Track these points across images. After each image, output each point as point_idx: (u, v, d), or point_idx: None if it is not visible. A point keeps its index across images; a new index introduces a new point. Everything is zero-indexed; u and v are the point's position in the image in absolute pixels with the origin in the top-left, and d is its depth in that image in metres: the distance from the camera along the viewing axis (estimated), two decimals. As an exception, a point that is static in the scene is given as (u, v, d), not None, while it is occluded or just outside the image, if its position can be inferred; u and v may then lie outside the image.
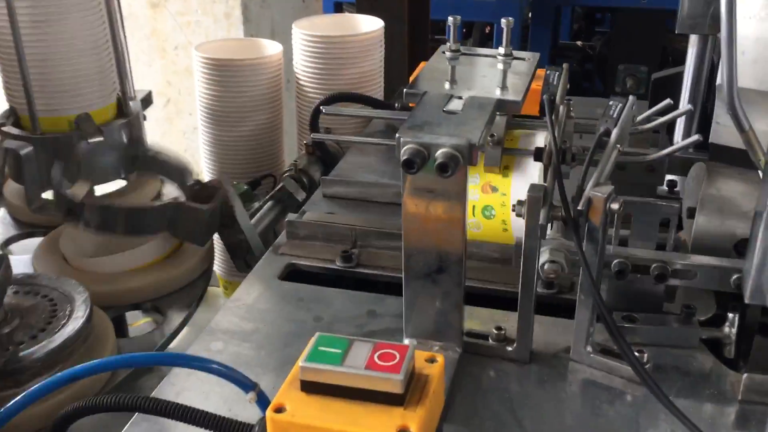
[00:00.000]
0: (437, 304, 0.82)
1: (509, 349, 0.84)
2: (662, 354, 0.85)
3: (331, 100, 1.39)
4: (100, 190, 1.32)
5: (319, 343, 0.66)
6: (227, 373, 0.71)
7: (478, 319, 0.90)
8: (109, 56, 1.26)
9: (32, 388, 0.68)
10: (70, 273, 1.11)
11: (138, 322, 1.41)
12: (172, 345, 1.19)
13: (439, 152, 0.74)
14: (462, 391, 0.80)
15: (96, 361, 0.72)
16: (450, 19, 0.96)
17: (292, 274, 1.02)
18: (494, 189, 0.93)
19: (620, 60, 3.19)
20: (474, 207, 0.94)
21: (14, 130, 1.21)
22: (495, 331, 0.85)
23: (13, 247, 1.31)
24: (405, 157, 0.74)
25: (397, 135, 0.76)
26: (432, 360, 0.68)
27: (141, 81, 2.34)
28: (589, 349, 0.83)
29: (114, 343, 1.00)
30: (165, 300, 1.14)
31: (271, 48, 1.57)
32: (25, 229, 1.30)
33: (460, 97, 0.85)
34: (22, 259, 1.20)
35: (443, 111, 0.81)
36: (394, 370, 0.63)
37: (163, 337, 1.11)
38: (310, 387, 0.63)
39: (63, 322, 0.94)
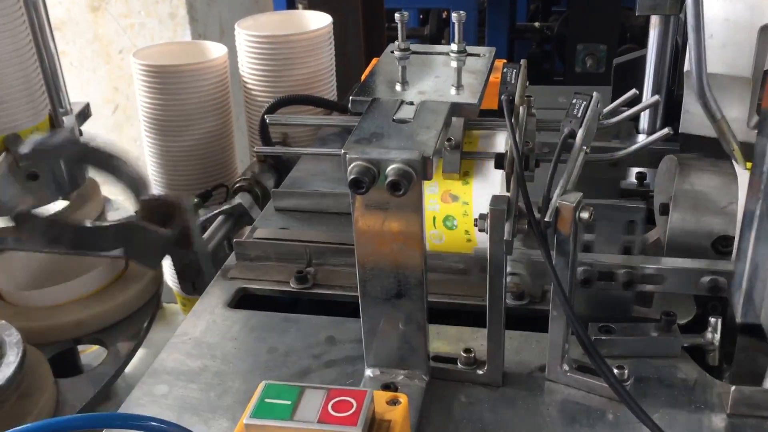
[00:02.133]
0: (399, 330, 0.75)
1: (480, 372, 0.78)
2: (643, 365, 0.80)
3: (279, 104, 1.31)
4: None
5: (266, 393, 0.59)
6: (167, 431, 0.64)
7: (444, 339, 0.84)
8: (36, 70, 1.17)
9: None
10: (2, 308, 1.02)
11: (91, 348, 1.33)
12: (127, 370, 1.11)
13: (390, 169, 0.67)
14: (432, 424, 0.74)
15: (23, 427, 0.64)
16: (397, 15, 0.89)
17: (244, 299, 0.94)
18: (455, 198, 0.87)
19: (579, 39, 3.14)
20: (435, 218, 0.88)
21: (-66, 156, 1.12)
22: (464, 354, 0.79)
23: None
24: (352, 177, 0.67)
25: (342, 151, 0.69)
26: (394, 402, 0.61)
27: (86, 88, 2.25)
28: (565, 367, 0.77)
29: (53, 385, 0.92)
30: (110, 331, 1.06)
31: (216, 50, 1.49)
32: None
33: (412, 103, 0.78)
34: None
35: (393, 120, 0.74)
36: (350, 421, 0.56)
37: (112, 370, 1.03)
38: (258, 446, 0.57)
39: (-7, 369, 0.85)
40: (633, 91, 0.93)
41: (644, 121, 1.28)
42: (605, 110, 0.92)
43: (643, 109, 0.97)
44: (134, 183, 1.10)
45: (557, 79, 3.40)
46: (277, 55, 1.41)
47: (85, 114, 1.43)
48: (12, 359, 0.87)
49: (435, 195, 0.87)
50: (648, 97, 1.21)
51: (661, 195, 0.96)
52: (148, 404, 0.77)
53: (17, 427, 0.62)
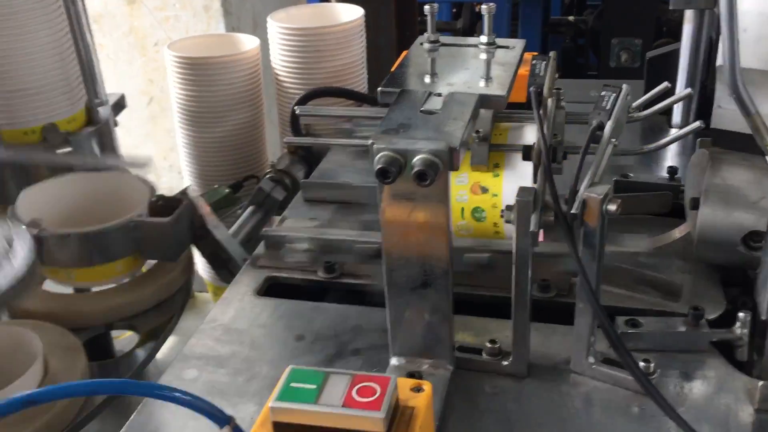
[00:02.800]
0: (425, 320, 0.76)
1: (505, 363, 0.78)
2: (670, 359, 0.79)
3: (309, 96, 1.32)
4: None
5: (292, 378, 0.60)
6: (199, 405, 0.65)
7: (469, 330, 0.84)
8: (74, 61, 1.20)
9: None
10: (40, 293, 1.05)
11: (125, 334, 1.35)
12: (158, 357, 1.13)
13: (417, 159, 0.67)
14: (456, 413, 0.74)
15: (56, 386, 0.66)
16: (426, 7, 0.89)
17: (272, 288, 0.96)
18: (484, 189, 0.87)
19: (613, 34, 3.11)
20: (463, 209, 0.88)
21: (-24, 145, 1.15)
22: (489, 345, 0.79)
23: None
24: (379, 167, 0.68)
25: (369, 141, 0.69)
26: (418, 389, 0.62)
27: (122, 80, 2.28)
28: (590, 360, 0.77)
29: (85, 368, 0.94)
30: (142, 317, 1.08)
31: (249, 43, 1.50)
32: None
33: (440, 94, 0.78)
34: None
35: (421, 111, 0.75)
36: (374, 406, 0.57)
37: (144, 355, 1.05)
38: (283, 429, 0.58)
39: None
40: (665, 84, 0.92)
41: (676, 116, 1.27)
42: (636, 103, 0.91)
43: (675, 102, 0.96)
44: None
45: (591, 74, 3.36)
46: (309, 48, 1.42)
47: (120, 105, 1.46)
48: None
49: (464, 186, 0.87)
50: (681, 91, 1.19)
51: (692, 189, 0.95)
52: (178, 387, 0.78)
53: (59, 384, 0.64)
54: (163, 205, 1.04)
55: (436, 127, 0.71)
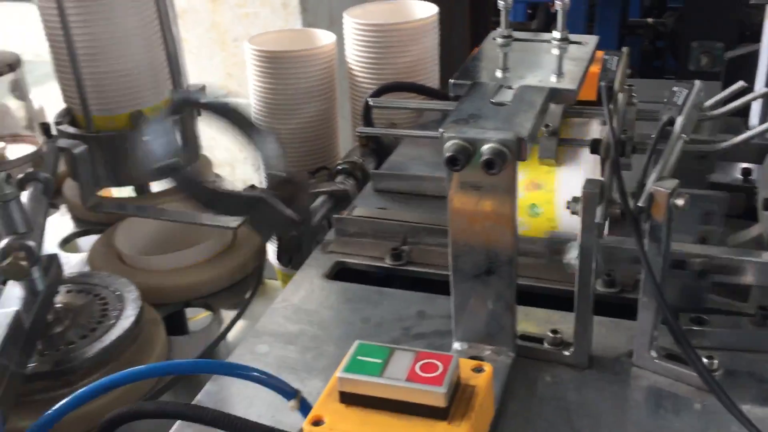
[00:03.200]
0: (488, 307, 0.78)
1: (566, 353, 0.79)
2: (735, 359, 0.79)
3: (383, 90, 1.35)
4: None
5: (359, 352, 0.63)
6: (267, 381, 0.69)
7: (532, 320, 0.86)
8: (162, 53, 1.26)
9: (72, 395, 0.67)
10: (124, 270, 1.11)
11: (198, 316, 1.41)
12: (229, 338, 1.18)
13: (485, 147, 0.69)
14: (515, 399, 0.76)
15: (139, 368, 0.71)
16: (500, 2, 0.91)
17: (341, 272, 0.99)
18: (539, 186, 0.88)
19: (694, 37, 3.03)
20: (519, 205, 0.89)
21: (70, 129, 1.23)
22: (551, 334, 0.80)
23: (74, 243, 1.32)
24: (448, 154, 0.70)
25: (440, 130, 0.72)
26: (479, 369, 0.64)
27: (203, 74, 2.36)
28: (653, 354, 0.77)
29: (164, 342, 0.99)
30: (217, 297, 1.14)
31: (325, 38, 1.54)
32: (85, 226, 1.32)
33: (510, 87, 0.80)
34: (77, 257, 1.21)
35: (491, 102, 0.77)
36: (436, 382, 0.59)
37: (217, 332, 1.10)
38: (349, 398, 0.61)
39: (113, 321, 0.94)
40: (740, 83, 0.91)
41: (754, 118, 1.24)
42: (710, 102, 0.91)
43: (751, 101, 0.95)
44: (269, 157, 1.15)
45: (668, 77, 3.29)
46: (383, 43, 1.45)
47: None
48: (131, 313, 0.95)
49: (519, 182, 0.88)
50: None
51: (766, 191, 0.94)
52: (250, 361, 0.82)
53: (141, 367, 0.69)
54: (281, 183, 1.08)
55: (505, 118, 0.73)
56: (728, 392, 0.70)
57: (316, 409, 0.61)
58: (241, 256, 1.17)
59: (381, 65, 1.47)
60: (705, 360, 0.75)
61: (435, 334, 0.85)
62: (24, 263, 0.82)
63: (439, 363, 0.61)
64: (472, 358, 0.78)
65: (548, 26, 3.73)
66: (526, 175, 0.87)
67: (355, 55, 1.50)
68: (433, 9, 1.52)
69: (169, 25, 1.37)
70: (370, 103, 1.02)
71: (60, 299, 0.95)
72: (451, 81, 0.83)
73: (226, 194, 1.07)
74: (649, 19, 3.67)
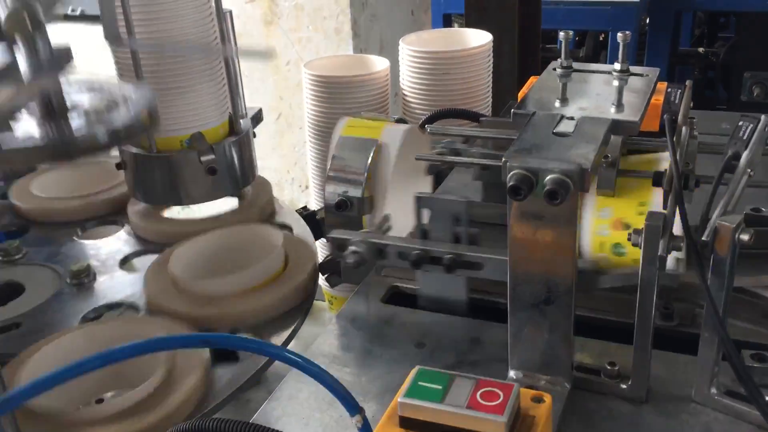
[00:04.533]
0: (545, 336, 0.78)
1: (623, 386, 0.79)
2: (797, 398, 0.77)
3: (436, 117, 1.37)
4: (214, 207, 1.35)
5: (419, 377, 0.64)
6: (337, 389, 0.69)
7: (588, 352, 0.85)
8: (222, 78, 1.29)
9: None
10: (177, 294, 1.12)
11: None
12: (277, 364, 1.19)
13: (548, 178, 0.70)
14: (571, 431, 0.75)
15: (183, 334, 0.70)
16: (561, 34, 0.92)
17: (395, 296, 1.00)
18: (627, 227, 0.87)
19: (746, 67, 3.00)
20: (602, 243, 0.88)
21: (132, 149, 1.26)
22: (608, 366, 0.80)
23: (133, 263, 1.34)
24: (511, 184, 0.71)
25: (503, 159, 0.72)
26: (539, 399, 0.64)
27: (255, 96, 2.42)
28: (713, 390, 0.76)
29: (209, 366, 0.98)
30: (266, 324, 1.12)
31: (379, 64, 1.57)
32: (145, 246, 1.34)
33: (572, 118, 0.80)
34: (133, 277, 1.23)
35: (553, 133, 0.77)
36: (497, 410, 0.59)
37: (264, 359, 1.10)
38: (409, 424, 0.61)
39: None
40: (805, 117, 0.90)
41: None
42: (773, 136, 0.90)
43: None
44: None
45: (720, 108, 3.25)
46: (437, 70, 1.47)
47: (258, 118, 1.55)
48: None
49: (606, 221, 0.88)
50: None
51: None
52: (304, 384, 0.83)
53: (186, 334, 0.68)
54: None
55: (568, 149, 0.74)
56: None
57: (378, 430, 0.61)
58: (292, 283, 1.15)
59: (435, 92, 1.49)
60: (767, 398, 0.74)
61: (489, 361, 0.85)
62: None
63: (499, 391, 0.61)
64: (528, 387, 0.78)
65: (597, 54, 3.72)
66: (613, 213, 0.86)
67: (409, 81, 1.52)
68: (488, 37, 1.54)
69: (232, 48, 1.41)
70: (427, 129, 1.03)
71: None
72: (513, 111, 0.84)
73: None
74: (700, 49, 3.64)
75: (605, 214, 0.87)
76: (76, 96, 0.90)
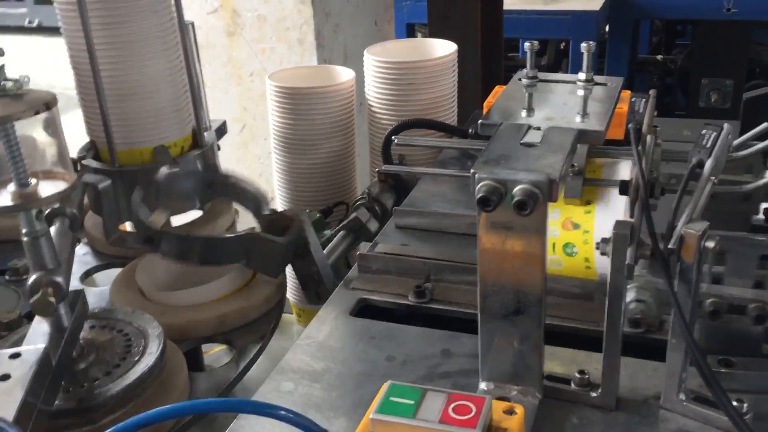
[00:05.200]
0: (515, 347, 0.78)
1: (593, 394, 0.79)
2: (764, 402, 0.78)
3: (402, 127, 1.37)
4: (177, 220, 1.33)
5: (391, 392, 0.63)
6: (297, 420, 0.69)
7: (558, 360, 0.85)
8: (185, 90, 1.28)
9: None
10: (145, 306, 1.11)
11: (212, 350, 1.41)
12: (246, 376, 1.18)
13: (517, 189, 0.70)
14: (543, 441, 0.75)
15: (164, 408, 0.70)
16: (527, 44, 0.92)
17: (364, 309, 0.99)
18: (576, 226, 0.88)
19: (703, 74, 3.06)
20: (554, 244, 0.90)
21: (94, 164, 1.24)
22: (578, 375, 0.80)
23: (95, 277, 1.33)
24: (480, 195, 0.70)
25: (471, 170, 0.72)
26: (511, 411, 0.64)
27: (218, 107, 2.39)
28: (681, 396, 0.77)
29: (186, 377, 0.99)
30: (237, 332, 1.13)
31: (344, 74, 1.56)
32: (105, 260, 1.32)
33: (539, 128, 0.81)
34: (99, 291, 1.21)
35: (520, 143, 0.78)
36: (470, 424, 0.59)
37: (237, 369, 1.10)
38: (382, 440, 0.60)
39: (137, 358, 0.94)
40: (765, 124, 0.92)
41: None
42: (734, 143, 0.91)
43: (775, 143, 0.95)
44: (255, 201, 1.17)
45: (679, 114, 3.31)
46: (403, 80, 1.47)
47: (222, 130, 1.54)
48: (154, 350, 0.95)
49: (556, 222, 0.89)
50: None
51: (791, 232, 0.94)
52: (275, 399, 0.82)
53: (166, 407, 0.69)
54: (275, 220, 1.09)
55: (536, 159, 0.74)
56: (757, 437, 0.69)
57: (350, 450, 0.60)
58: (262, 291, 1.17)
59: (400, 102, 1.49)
60: (735, 403, 0.74)
61: (460, 373, 0.85)
62: (52, 299, 0.83)
63: (472, 405, 0.61)
64: (499, 398, 0.78)
65: (559, 62, 3.77)
66: (562, 214, 0.87)
67: (374, 91, 1.52)
68: (452, 47, 1.54)
69: (194, 62, 1.39)
70: (394, 140, 1.03)
71: (83, 335, 0.95)
72: (480, 122, 0.84)
73: (219, 241, 1.08)
74: (659, 56, 3.71)
75: (555, 216, 0.88)
76: None
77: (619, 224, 0.72)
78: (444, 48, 1.55)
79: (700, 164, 0.77)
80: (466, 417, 0.60)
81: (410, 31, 3.50)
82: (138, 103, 1.19)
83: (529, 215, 0.70)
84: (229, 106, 2.44)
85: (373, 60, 1.50)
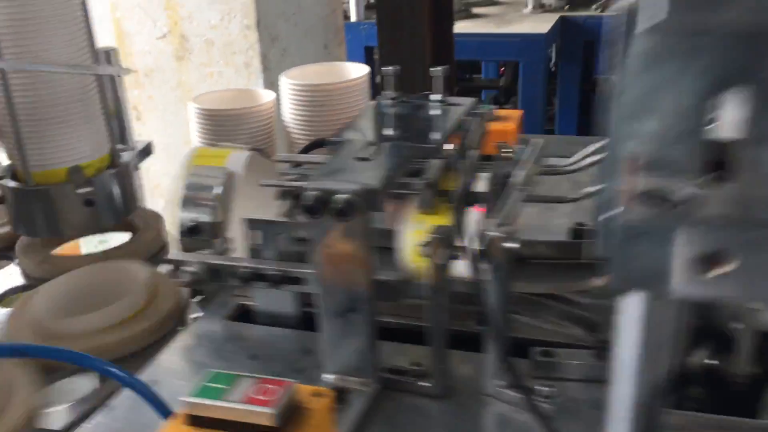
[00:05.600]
0: (352, 342, 0.86)
1: (427, 384, 0.87)
2: (581, 388, 0.86)
3: (311, 147, 1.45)
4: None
5: (210, 379, 0.71)
6: (148, 394, 0.76)
7: (406, 356, 0.93)
8: (99, 112, 1.36)
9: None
10: (42, 333, 1.08)
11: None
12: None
13: (337, 198, 0.78)
14: (375, 427, 0.83)
15: None
16: (384, 69, 1.02)
17: (240, 314, 1.07)
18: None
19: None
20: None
21: (11, 183, 1.32)
22: (414, 367, 0.88)
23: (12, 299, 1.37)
24: (306, 203, 0.79)
25: (304, 183, 0.81)
26: (319, 394, 0.72)
27: (169, 129, 2.48)
28: (498, 383, 0.85)
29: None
30: (130, 359, 1.13)
31: (265, 96, 1.65)
32: (32, 281, 1.35)
33: (376, 144, 0.89)
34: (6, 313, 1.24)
35: (355, 158, 0.86)
36: (270, 404, 0.67)
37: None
38: (193, 421, 0.68)
39: None
40: (597, 144, 1.00)
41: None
42: (571, 160, 1.00)
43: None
44: None
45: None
46: (315, 102, 1.56)
47: (147, 151, 1.62)
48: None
49: (423, 232, 0.96)
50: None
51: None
52: (141, 393, 0.90)
53: None
54: None
55: (363, 172, 0.83)
56: (567, 419, 0.78)
57: (163, 428, 0.68)
58: (158, 316, 1.16)
59: (315, 123, 1.57)
60: (546, 389, 0.83)
61: (314, 368, 0.93)
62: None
63: (278, 388, 0.69)
64: (339, 389, 0.86)
65: (515, 81, 3.89)
66: (429, 224, 0.94)
67: (290, 113, 1.61)
68: (365, 69, 1.63)
69: (114, 86, 1.48)
70: (277, 158, 1.12)
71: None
72: (328, 138, 0.93)
73: None
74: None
75: (423, 227, 0.96)
76: None
77: (437, 229, 0.81)
78: (357, 71, 1.64)
79: (507, 175, 0.86)
80: (269, 398, 0.67)
81: (368, 54, 3.61)
82: (50, 127, 1.27)
83: (351, 221, 0.79)
84: (179, 128, 2.53)
85: (287, 83, 1.59)
